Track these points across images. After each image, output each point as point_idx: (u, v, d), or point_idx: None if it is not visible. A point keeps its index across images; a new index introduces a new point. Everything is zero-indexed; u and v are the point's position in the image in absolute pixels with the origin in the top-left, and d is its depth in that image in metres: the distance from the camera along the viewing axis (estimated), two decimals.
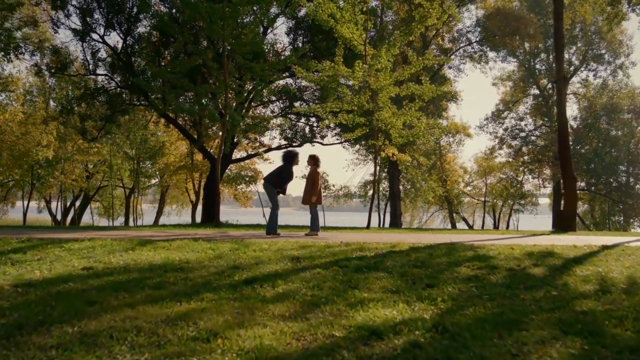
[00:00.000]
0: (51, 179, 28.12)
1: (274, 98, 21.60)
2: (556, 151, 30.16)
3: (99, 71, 19.64)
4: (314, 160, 9.65)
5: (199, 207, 28.55)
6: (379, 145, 14.21)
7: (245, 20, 14.49)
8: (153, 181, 34.72)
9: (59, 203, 33.59)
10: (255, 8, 13.33)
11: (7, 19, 16.81)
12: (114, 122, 20.44)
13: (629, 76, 33.42)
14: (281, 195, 9.57)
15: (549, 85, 33.18)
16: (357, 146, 27.25)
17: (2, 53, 16.39)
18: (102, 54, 19.64)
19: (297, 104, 20.55)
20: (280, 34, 77.19)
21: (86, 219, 36.47)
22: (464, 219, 35.92)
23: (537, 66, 33.73)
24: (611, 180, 32.99)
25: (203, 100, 14.51)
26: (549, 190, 34.85)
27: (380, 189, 29.56)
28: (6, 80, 23.32)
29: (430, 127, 14.25)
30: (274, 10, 15.90)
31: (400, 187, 28.88)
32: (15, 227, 12.75)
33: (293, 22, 19.81)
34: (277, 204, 9.44)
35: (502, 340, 2.88)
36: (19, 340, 2.75)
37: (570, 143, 14.88)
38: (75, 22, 26.20)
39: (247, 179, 28.18)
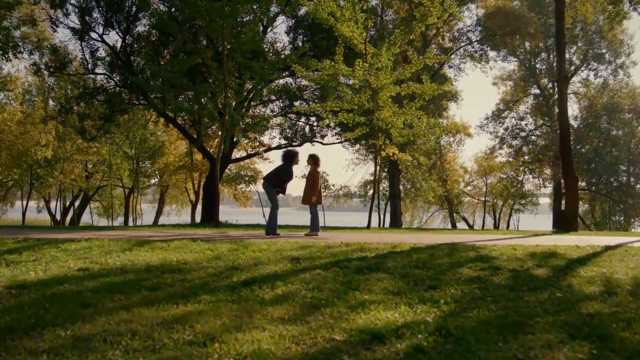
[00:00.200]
0: (50, 179, 28.03)
1: (273, 97, 21.52)
2: (557, 151, 30.11)
3: (97, 70, 19.57)
4: (313, 160, 9.56)
5: (199, 207, 28.47)
6: (379, 144, 14.13)
7: (244, 19, 14.41)
8: (152, 181, 34.64)
9: (58, 203, 33.50)
10: (254, 7, 13.24)
11: (6, 17, 16.71)
12: (113, 122, 20.35)
13: (629, 76, 33.38)
14: (281, 195, 9.49)
15: (550, 85, 33.11)
16: (357, 146, 27.17)
17: (1, 52, 16.29)
18: (101, 53, 19.58)
19: (297, 103, 20.47)
20: (280, 33, 76.99)
21: (86, 218, 36.38)
22: (464, 219, 35.83)
23: (538, 65, 33.67)
24: (612, 180, 32.92)
25: (202, 100, 14.42)
26: (549, 190, 34.80)
27: (381, 188, 29.49)
28: (5, 79, 23.23)
29: (431, 126, 14.16)
30: (273, 9, 15.80)
31: (401, 187, 28.80)
32: (13, 227, 12.67)
33: (293, 21, 19.73)
34: (276, 204, 9.36)
35: (507, 344, 2.80)
36: (9, 345, 2.66)
37: (571, 143, 14.77)
38: (74, 21, 26.20)
39: (246, 178, 28.12)
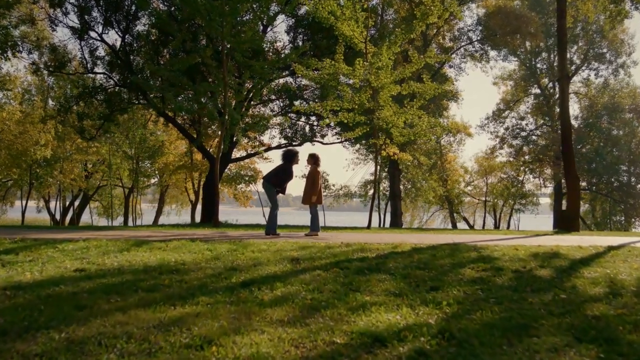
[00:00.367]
0: (50, 179, 27.96)
1: (273, 97, 21.44)
2: (557, 151, 30.06)
3: (97, 70, 19.46)
4: (314, 159, 9.49)
5: (199, 207, 28.41)
6: (379, 144, 14.06)
7: (244, 18, 14.34)
8: (152, 181, 34.57)
9: (58, 203, 33.43)
10: (254, 5, 13.18)
11: (5, 16, 16.64)
12: (113, 121, 20.27)
13: (630, 75, 33.43)
14: (281, 194, 9.42)
15: (550, 85, 33.06)
16: (358, 145, 27.11)
17: (0, 51, 16.24)
18: (101, 52, 19.48)
19: (297, 103, 20.39)
20: (280, 32, 76.94)
21: (85, 218, 36.31)
22: (465, 219, 35.78)
23: (538, 65, 33.62)
24: (612, 180, 32.86)
25: (202, 99, 14.35)
26: (549, 190, 34.74)
27: (381, 188, 29.42)
28: (4, 78, 23.16)
29: (432, 126, 14.09)
30: (273, 8, 15.74)
31: (401, 187, 28.74)
32: (12, 227, 12.61)
33: (293, 20, 19.65)
34: (276, 204, 9.29)
35: (512, 348, 2.73)
36: (1, 348, 2.60)
37: (572, 142, 14.73)
38: (73, 20, 26.14)
39: (246, 178, 28.06)
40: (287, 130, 21.92)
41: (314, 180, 9.25)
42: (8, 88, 24.51)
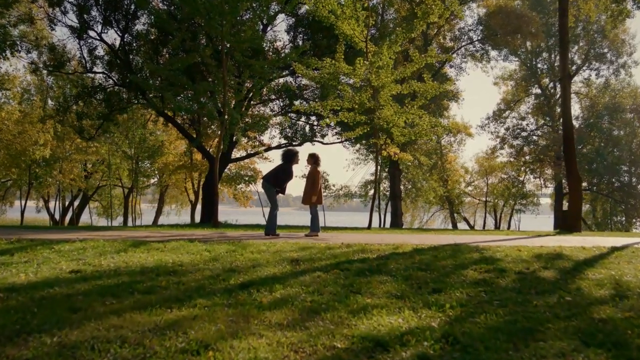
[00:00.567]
0: (49, 179, 27.89)
1: (273, 96, 21.36)
2: (558, 151, 29.98)
3: (96, 69, 19.38)
4: (314, 159, 9.41)
5: (199, 207, 28.33)
6: (380, 144, 13.98)
7: (244, 17, 14.26)
8: (152, 181, 34.50)
9: (58, 203, 33.36)
10: (254, 4, 13.10)
11: (4, 15, 16.56)
12: (112, 121, 20.20)
13: (631, 75, 33.28)
14: (281, 195, 9.34)
15: (551, 85, 32.99)
16: (358, 145, 27.04)
17: None
18: (100, 51, 19.39)
19: (297, 102, 20.31)
20: (280, 32, 77.13)
21: (85, 218, 36.24)
22: (465, 219, 35.71)
23: (539, 65, 33.56)
24: (613, 180, 32.79)
25: (202, 99, 14.28)
26: (550, 190, 34.68)
27: (381, 188, 29.34)
28: (2, 78, 23.08)
29: (433, 126, 14.01)
30: (273, 7, 15.67)
31: (401, 187, 28.67)
32: (10, 227, 12.53)
33: (293, 19, 19.57)
34: (276, 204, 9.21)
35: (518, 353, 2.64)
36: None
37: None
38: (72, 19, 26.08)
39: (246, 178, 27.97)
40: (287, 130, 21.85)
41: (314, 180, 9.17)
42: (7, 88, 24.43)
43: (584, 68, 32.58)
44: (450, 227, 33.54)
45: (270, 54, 18.48)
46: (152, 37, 18.65)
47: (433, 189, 30.02)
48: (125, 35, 18.44)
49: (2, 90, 24.17)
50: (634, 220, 33.61)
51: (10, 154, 25.07)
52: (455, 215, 33.99)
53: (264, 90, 19.51)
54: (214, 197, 13.24)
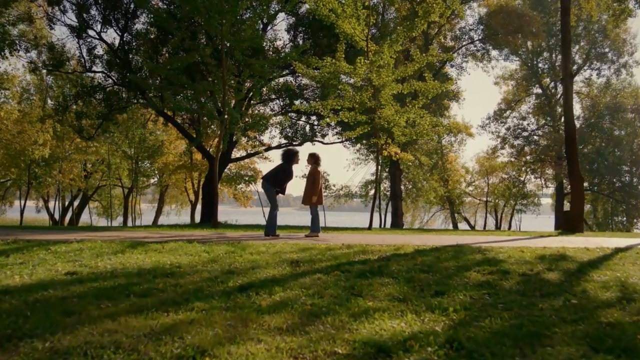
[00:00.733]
0: (49, 178, 27.81)
1: (273, 96, 21.28)
2: (559, 151, 29.90)
3: (95, 68, 19.31)
4: (314, 159, 9.32)
5: (199, 207, 28.25)
6: (380, 144, 13.89)
7: (244, 16, 14.18)
8: (152, 181, 34.42)
9: (57, 203, 33.28)
10: (254, 3, 13.03)
11: (2, 14, 16.48)
12: (111, 121, 20.13)
13: (632, 75, 33.25)
14: (281, 195, 9.26)
15: (552, 84, 32.91)
16: (358, 145, 26.95)
17: None
18: (99, 50, 19.32)
19: (297, 102, 20.23)
20: (280, 31, 76.95)
21: (85, 218, 36.16)
22: (466, 219, 35.62)
23: (540, 65, 33.47)
24: (614, 180, 32.72)
25: (201, 98, 14.20)
26: (551, 190, 34.60)
27: (382, 189, 29.26)
28: (1, 77, 23.00)
29: (434, 125, 13.92)
30: (273, 6, 15.59)
31: (402, 187, 28.58)
32: (9, 227, 12.46)
33: (293, 18, 19.49)
34: (276, 204, 9.12)
35: (525, 359, 2.56)
36: None
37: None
38: (71, 18, 25.98)
39: (246, 178, 27.87)
40: (287, 129, 21.77)
41: (314, 180, 9.08)
42: (6, 87, 24.34)
43: (585, 68, 32.52)
44: (450, 227, 33.47)
45: (271, 53, 18.40)
46: (152, 36, 18.58)
47: (434, 189, 29.94)
48: (125, 35, 18.38)
49: (1, 89, 24.11)
50: (635, 220, 33.54)
51: (10, 153, 25.00)
52: (456, 215, 33.92)
53: (264, 89, 19.43)
54: (214, 197, 13.16)
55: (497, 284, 4.42)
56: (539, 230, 17.01)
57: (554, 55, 32.35)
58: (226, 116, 12.35)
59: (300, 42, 18.98)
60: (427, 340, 2.77)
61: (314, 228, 9.01)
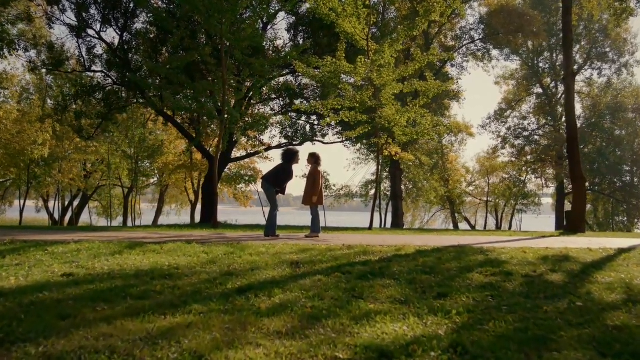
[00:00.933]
0: (48, 178, 27.74)
1: (274, 95, 21.21)
2: (559, 150, 29.84)
3: (95, 68, 19.23)
4: (314, 159, 9.24)
5: (198, 207, 28.17)
6: (381, 143, 13.82)
7: (244, 15, 14.11)
8: (152, 180, 34.34)
9: (57, 202, 33.21)
10: (254, 3, 12.95)
11: (1, 14, 16.41)
12: (111, 120, 20.05)
13: (633, 75, 33.35)
14: (281, 195, 9.18)
15: (553, 84, 32.84)
16: (359, 145, 26.88)
17: None
18: (99, 50, 19.24)
19: (297, 102, 20.16)
20: (280, 30, 76.80)
21: (85, 218, 36.09)
22: (466, 219, 35.55)
23: (541, 64, 33.40)
24: (615, 180, 32.65)
25: (201, 98, 14.13)
26: (551, 190, 34.53)
27: (382, 188, 29.18)
28: (0, 77, 22.93)
29: (435, 125, 13.84)
30: (274, 5, 15.52)
31: (402, 187, 28.50)
32: (7, 228, 12.38)
33: (293, 18, 19.42)
34: (276, 204, 9.05)
35: None
36: None
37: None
38: (70, 17, 25.94)
39: (246, 178, 27.77)
40: (288, 129, 21.70)
41: (314, 180, 9.01)
42: (5, 87, 24.27)
43: (586, 67, 32.46)
44: (451, 227, 33.39)
45: (271, 52, 18.33)
46: (152, 36, 18.51)
47: (434, 188, 29.86)
48: (124, 34, 18.31)
49: (0, 89, 24.02)
50: (635, 220, 33.48)
51: (9, 153, 24.93)
52: (457, 215, 33.84)
53: (264, 89, 19.37)
54: (214, 197, 13.10)
55: (501, 285, 4.35)
56: (539, 231, 16.94)
57: (554, 55, 32.28)
58: (226, 116, 12.28)
59: (301, 41, 18.91)
60: (431, 344, 2.70)
61: (314, 228, 8.94)
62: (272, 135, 41.72)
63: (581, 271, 5.09)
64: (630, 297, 3.99)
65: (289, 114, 21.11)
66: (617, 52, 31.74)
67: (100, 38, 18.55)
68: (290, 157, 8.99)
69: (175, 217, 38.03)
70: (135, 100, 19.88)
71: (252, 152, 24.69)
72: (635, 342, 2.82)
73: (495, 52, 29.94)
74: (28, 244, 6.49)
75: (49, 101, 27.72)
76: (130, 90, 18.78)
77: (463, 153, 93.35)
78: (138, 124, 27.90)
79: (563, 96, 29.28)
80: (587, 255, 6.20)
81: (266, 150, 23.50)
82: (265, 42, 17.15)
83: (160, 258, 5.42)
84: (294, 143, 21.17)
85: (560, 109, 31.93)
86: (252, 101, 19.54)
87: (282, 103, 21.49)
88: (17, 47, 18.46)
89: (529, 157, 33.03)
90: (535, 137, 33.56)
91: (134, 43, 18.86)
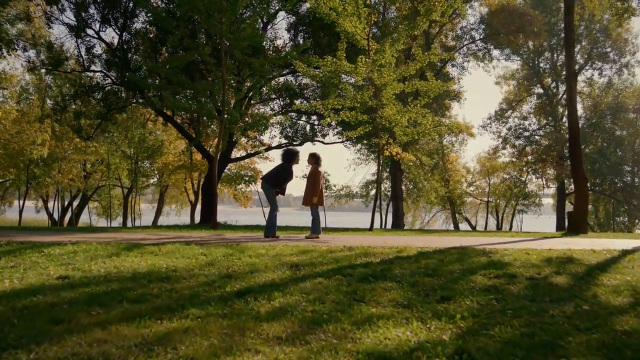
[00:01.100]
0: (48, 179, 27.65)
1: (274, 95, 21.12)
2: (560, 151, 29.76)
3: (94, 68, 19.13)
4: (314, 159, 9.15)
5: (198, 207, 28.08)
6: (382, 144, 13.74)
7: (244, 15, 14.04)
8: (151, 181, 34.25)
9: (57, 203, 33.12)
10: (254, 2, 12.88)
11: (0, 13, 16.32)
12: (110, 120, 19.96)
13: (634, 75, 33.36)
14: (281, 195, 9.09)
15: (554, 84, 32.75)
16: (359, 145, 26.79)
17: None
18: (98, 50, 19.14)
19: (297, 102, 20.08)
20: (280, 30, 76.65)
21: (85, 218, 36.00)
22: (467, 220, 35.44)
23: (542, 65, 33.29)
24: (616, 180, 32.55)
25: (201, 98, 14.04)
26: (552, 190, 34.43)
27: (382, 189, 29.08)
28: None
29: (436, 125, 13.75)
30: (274, 5, 15.45)
31: (403, 187, 28.42)
32: (5, 229, 12.29)
33: (294, 17, 19.33)
34: (276, 205, 8.96)
35: None
36: None
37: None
38: (69, 17, 25.87)
39: (246, 178, 27.68)
40: (288, 129, 21.61)
41: (315, 180, 8.92)
42: (4, 87, 24.18)
43: (587, 67, 32.33)
44: (451, 227, 33.29)
45: (271, 52, 18.23)
46: (151, 36, 18.42)
47: (434, 189, 29.77)
48: (124, 34, 18.21)
49: None
50: (636, 220, 33.38)
51: (8, 153, 24.84)
52: (457, 215, 33.74)
53: (264, 89, 19.27)
54: (214, 197, 13.01)
55: (505, 288, 4.27)
56: (540, 231, 16.85)
57: (555, 55, 32.19)
58: (226, 116, 12.20)
59: (301, 41, 18.82)
60: (435, 350, 2.62)
61: (315, 229, 8.86)
62: (272, 136, 41.58)
63: (586, 273, 5.00)
64: (637, 300, 3.91)
65: (289, 114, 21.02)
66: (618, 52, 31.64)
67: (100, 38, 18.47)
68: (290, 158, 8.90)
69: (175, 218, 37.93)
70: (134, 100, 19.78)
71: (252, 152, 24.60)
72: None
73: (495, 52, 29.88)
74: (24, 245, 6.41)
75: (48, 101, 27.62)
76: (129, 90, 18.69)
77: (464, 153, 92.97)
78: (137, 124, 27.80)
79: (564, 96, 29.24)
80: (591, 256, 6.11)
81: (266, 150, 23.41)
82: (265, 42, 17.05)
83: (158, 260, 5.34)
84: (294, 143, 21.08)
85: (561, 109, 31.84)
86: (252, 101, 19.44)
87: (282, 103, 21.40)
88: (16, 47, 18.37)
89: (529, 158, 32.93)
90: (536, 137, 33.46)
91: (133, 43, 18.76)
